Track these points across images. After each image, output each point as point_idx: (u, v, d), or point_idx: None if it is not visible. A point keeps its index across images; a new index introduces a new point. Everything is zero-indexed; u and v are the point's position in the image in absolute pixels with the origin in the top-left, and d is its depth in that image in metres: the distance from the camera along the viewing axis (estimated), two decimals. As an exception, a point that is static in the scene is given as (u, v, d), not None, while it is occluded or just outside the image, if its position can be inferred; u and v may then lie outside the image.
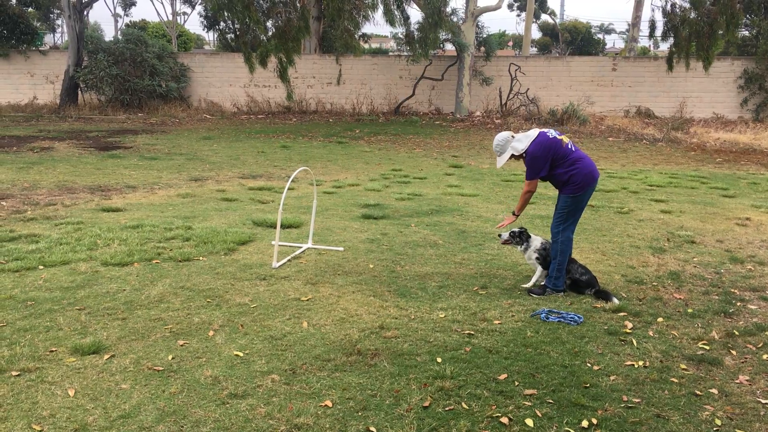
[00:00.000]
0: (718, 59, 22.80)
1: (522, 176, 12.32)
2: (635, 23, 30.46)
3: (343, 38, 21.69)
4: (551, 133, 6.01)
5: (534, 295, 5.90)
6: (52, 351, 4.52)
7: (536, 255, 6.16)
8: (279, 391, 4.06)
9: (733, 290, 6.20)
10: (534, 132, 6.03)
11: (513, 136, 6.08)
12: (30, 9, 32.20)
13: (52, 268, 6.31)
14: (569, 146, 5.96)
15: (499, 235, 6.39)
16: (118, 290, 5.74)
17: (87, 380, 4.13)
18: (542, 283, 6.08)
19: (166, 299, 5.56)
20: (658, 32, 22.05)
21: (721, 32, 19.96)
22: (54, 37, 64.61)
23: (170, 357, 4.47)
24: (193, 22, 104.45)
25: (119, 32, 39.70)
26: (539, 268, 6.16)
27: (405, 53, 23.33)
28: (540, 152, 5.87)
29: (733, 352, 4.82)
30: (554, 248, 5.98)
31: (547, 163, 5.86)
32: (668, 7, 21.46)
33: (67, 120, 20.84)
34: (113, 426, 3.63)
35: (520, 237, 6.22)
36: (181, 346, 4.67)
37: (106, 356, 4.46)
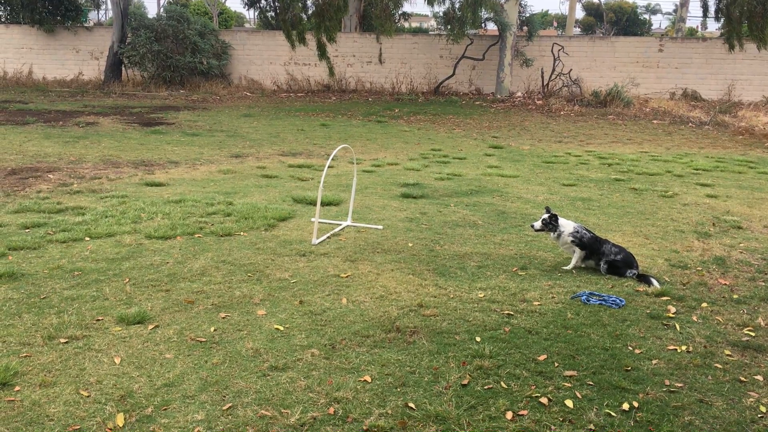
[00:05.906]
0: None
1: (562, 158, 12.19)
2: (683, 3, 29.71)
3: (381, 18, 21.53)
4: None
5: None
6: (99, 320, 4.64)
7: (571, 239, 6.09)
8: (319, 365, 4.11)
9: (780, 277, 6.05)
10: None
11: None
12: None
13: (98, 239, 6.46)
14: None
15: (532, 225, 6.33)
16: (162, 263, 5.84)
17: (132, 349, 4.23)
18: None
19: (208, 273, 5.64)
20: (710, 12, 21.28)
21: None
22: (98, 13, 65.49)
23: (212, 329, 4.55)
24: (234, 0, 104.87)
25: (162, 9, 40.02)
26: (577, 250, 6.09)
27: (445, 33, 23.02)
28: None
29: (780, 340, 4.71)
30: None
31: None
32: (718, -14, 20.79)
33: (111, 96, 21.17)
34: (158, 394, 3.71)
35: (552, 223, 6.15)
36: (223, 318, 4.74)
37: (151, 326, 4.56)
